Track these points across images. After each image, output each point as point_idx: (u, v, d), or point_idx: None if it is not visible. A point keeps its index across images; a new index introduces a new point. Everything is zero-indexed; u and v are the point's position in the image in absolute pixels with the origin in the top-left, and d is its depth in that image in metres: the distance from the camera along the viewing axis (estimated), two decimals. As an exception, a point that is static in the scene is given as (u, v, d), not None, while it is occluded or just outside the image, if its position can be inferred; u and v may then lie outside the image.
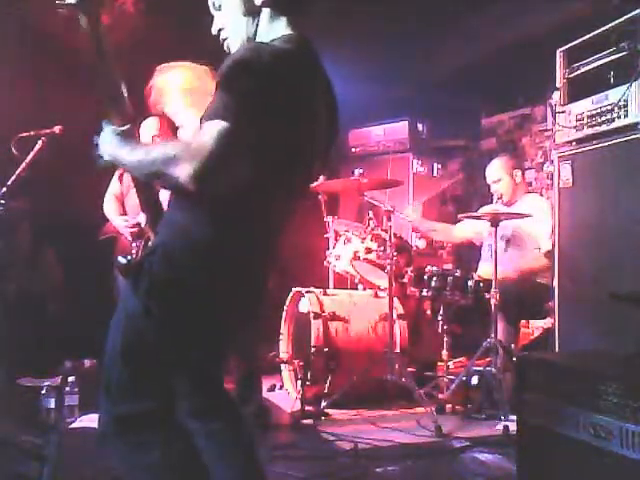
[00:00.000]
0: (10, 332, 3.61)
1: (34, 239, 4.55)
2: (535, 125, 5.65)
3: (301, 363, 3.72)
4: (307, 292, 4.02)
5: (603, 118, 2.97)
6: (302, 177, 1.68)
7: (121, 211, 3.69)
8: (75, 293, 4.34)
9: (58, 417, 3.28)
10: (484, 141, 6.20)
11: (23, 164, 3.03)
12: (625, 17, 2.87)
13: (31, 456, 2.68)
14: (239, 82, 1.43)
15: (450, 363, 3.97)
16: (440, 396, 3.78)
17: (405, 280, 4.02)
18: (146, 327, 1.53)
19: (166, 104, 3.28)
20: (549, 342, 3.33)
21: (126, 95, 1.59)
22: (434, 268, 3.89)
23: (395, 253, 3.80)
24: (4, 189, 3.01)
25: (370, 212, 4.13)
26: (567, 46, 3.24)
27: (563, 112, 3.21)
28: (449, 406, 3.71)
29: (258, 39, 1.64)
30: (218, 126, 1.37)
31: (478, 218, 4.00)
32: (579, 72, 3.17)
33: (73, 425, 3.26)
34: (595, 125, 3.03)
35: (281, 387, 4.17)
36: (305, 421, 3.47)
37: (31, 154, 3.04)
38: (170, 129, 3.39)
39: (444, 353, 3.84)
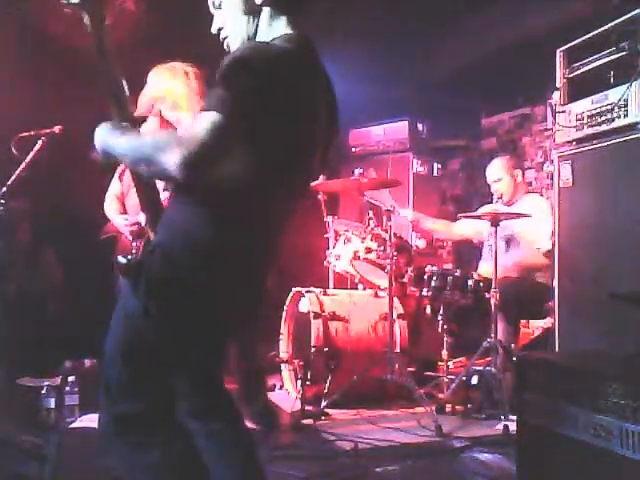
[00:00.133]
0: (10, 332, 3.61)
1: (34, 239, 4.55)
2: (535, 125, 5.66)
3: (301, 363, 3.72)
4: (307, 292, 4.02)
5: (603, 118, 2.98)
6: (302, 177, 1.68)
7: (122, 211, 3.68)
8: (75, 293, 4.34)
9: (58, 417, 3.28)
10: (484, 141, 6.20)
11: (23, 164, 3.03)
12: (625, 17, 2.87)
13: (31, 456, 2.68)
14: (237, 79, 1.43)
15: (450, 363, 3.97)
16: (440, 396, 3.78)
17: (405, 280, 4.02)
18: (145, 327, 1.53)
19: (160, 110, 3.30)
20: (549, 342, 3.33)
21: (127, 93, 1.59)
22: (434, 268, 3.89)
23: (395, 253, 3.80)
24: (4, 189, 3.01)
25: (370, 212, 4.13)
26: (567, 46, 3.24)
27: (563, 112, 3.22)
28: (449, 406, 3.70)
29: (258, 38, 1.64)
30: (211, 117, 1.37)
31: (478, 218, 4.00)
32: (579, 72, 3.17)
33: (73, 425, 3.26)
34: (595, 125, 3.03)
35: (281, 387, 4.17)
36: (305, 421, 3.47)
37: (31, 154, 3.04)
38: (171, 127, 3.39)
39: (444, 353, 3.84)
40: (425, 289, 3.85)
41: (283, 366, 4.08)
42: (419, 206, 5.09)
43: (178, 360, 1.60)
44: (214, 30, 1.70)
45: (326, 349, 3.80)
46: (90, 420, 3.15)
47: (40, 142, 3.07)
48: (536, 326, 4.51)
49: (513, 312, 3.89)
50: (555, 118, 3.25)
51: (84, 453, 2.68)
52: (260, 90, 1.44)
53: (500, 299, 3.58)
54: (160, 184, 1.73)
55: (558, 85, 3.27)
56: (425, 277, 3.87)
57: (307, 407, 3.56)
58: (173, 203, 1.60)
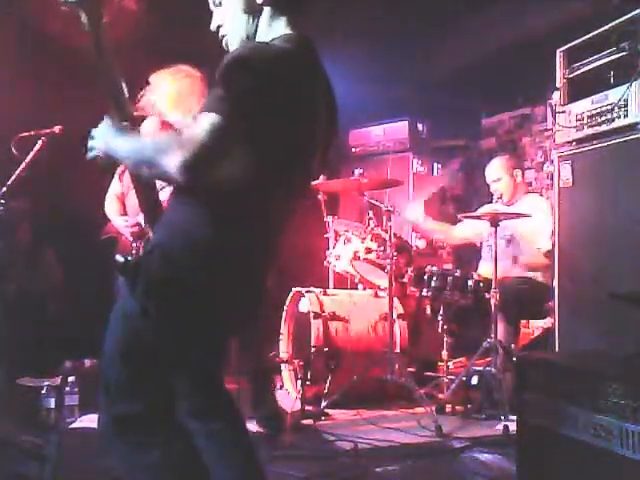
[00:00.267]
0: (10, 332, 3.61)
1: (34, 239, 4.55)
2: (535, 125, 5.65)
3: (301, 363, 3.72)
4: (307, 292, 4.02)
5: (603, 118, 2.97)
6: (302, 177, 1.68)
7: (122, 211, 3.68)
8: (75, 293, 4.33)
9: (58, 417, 3.28)
10: (484, 141, 6.20)
11: (23, 164, 3.03)
12: (625, 17, 2.87)
13: (31, 456, 2.68)
14: (237, 79, 1.43)
15: (450, 363, 3.96)
16: (440, 396, 3.78)
17: (405, 280, 4.02)
18: (144, 327, 1.53)
19: (165, 113, 3.31)
20: (549, 342, 3.33)
21: (126, 93, 1.59)
22: (434, 268, 3.89)
23: (395, 253, 3.80)
24: (4, 189, 3.01)
25: (370, 212, 4.13)
26: (567, 46, 3.24)
27: (563, 112, 3.21)
28: (449, 406, 3.70)
29: (258, 38, 1.64)
30: (211, 119, 1.38)
31: (478, 218, 4.00)
32: (579, 72, 3.17)
33: (73, 425, 3.26)
34: (595, 125, 3.03)
35: (281, 387, 4.17)
36: (305, 421, 3.47)
37: (31, 154, 3.04)
38: (170, 127, 3.39)
39: (444, 353, 3.84)
40: (425, 289, 3.85)
41: (283, 366, 4.08)
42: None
43: (177, 360, 1.60)
44: (213, 27, 1.69)
45: (326, 349, 3.80)
46: (90, 420, 3.15)
47: (40, 142, 3.07)
48: (536, 326, 4.50)
49: (513, 312, 3.89)
50: (555, 118, 3.25)
51: (84, 453, 2.68)
52: (260, 90, 1.44)
53: (500, 299, 3.58)
54: (159, 184, 1.73)
55: (558, 85, 3.27)
56: (425, 277, 3.86)
57: (307, 407, 3.56)
58: (173, 203, 1.60)
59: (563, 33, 3.35)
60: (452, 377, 3.76)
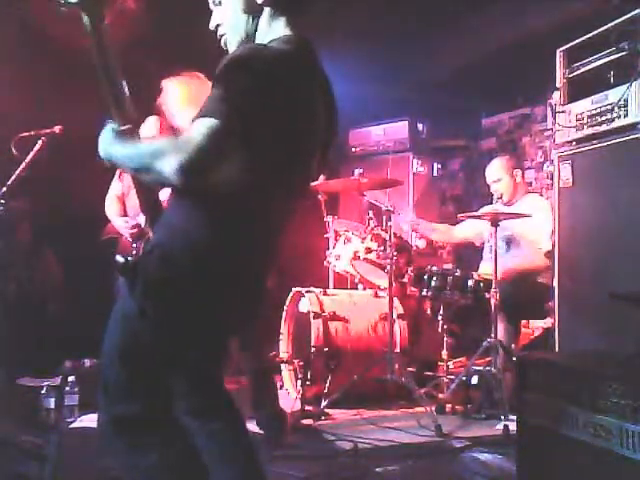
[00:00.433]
0: (10, 332, 3.61)
1: (34, 239, 4.55)
2: (535, 125, 5.66)
3: (301, 363, 3.72)
4: (307, 292, 4.02)
5: (603, 118, 2.98)
6: (301, 177, 1.68)
7: (122, 212, 3.68)
8: (75, 293, 4.33)
9: (58, 417, 3.28)
10: (484, 141, 6.20)
11: (23, 164, 3.03)
12: (625, 17, 2.87)
13: (31, 456, 2.68)
14: (234, 81, 1.43)
15: (450, 363, 3.97)
16: (440, 396, 3.78)
17: (405, 280, 4.02)
18: (143, 328, 1.53)
19: (174, 117, 3.31)
20: (549, 342, 3.33)
21: (127, 94, 1.59)
22: (434, 268, 3.89)
23: (395, 253, 3.80)
24: (4, 189, 3.01)
25: (370, 212, 4.13)
26: (567, 46, 3.24)
27: (563, 112, 3.22)
28: (449, 406, 3.71)
29: (257, 39, 1.64)
30: (208, 122, 1.37)
31: (478, 218, 4.00)
32: (579, 72, 3.17)
33: (73, 425, 3.26)
34: (595, 125, 3.03)
35: (281, 387, 4.16)
36: (305, 421, 3.47)
37: (31, 154, 3.04)
38: (170, 129, 3.39)
39: (444, 353, 3.84)
40: (425, 289, 3.85)
41: (283, 366, 4.08)
42: (419, 206, 5.09)
43: (176, 360, 1.60)
44: (212, 26, 1.69)
45: (326, 349, 3.80)
46: (90, 420, 3.15)
47: (40, 142, 3.07)
48: (536, 326, 4.50)
49: (513, 312, 3.89)
50: (555, 118, 3.25)
51: (84, 453, 2.68)
52: (258, 91, 1.44)
53: (500, 299, 3.58)
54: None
55: (558, 85, 3.27)
56: (425, 277, 3.87)
57: (307, 407, 3.56)
58: (172, 204, 1.60)
59: (563, 33, 3.35)
60: (452, 377, 3.76)
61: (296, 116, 1.54)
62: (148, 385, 1.56)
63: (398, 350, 3.91)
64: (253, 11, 1.64)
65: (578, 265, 3.12)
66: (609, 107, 2.92)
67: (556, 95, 3.28)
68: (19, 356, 3.68)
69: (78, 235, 4.02)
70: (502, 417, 3.35)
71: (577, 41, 3.19)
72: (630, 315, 2.63)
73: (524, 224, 4.01)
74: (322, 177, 4.04)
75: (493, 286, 3.59)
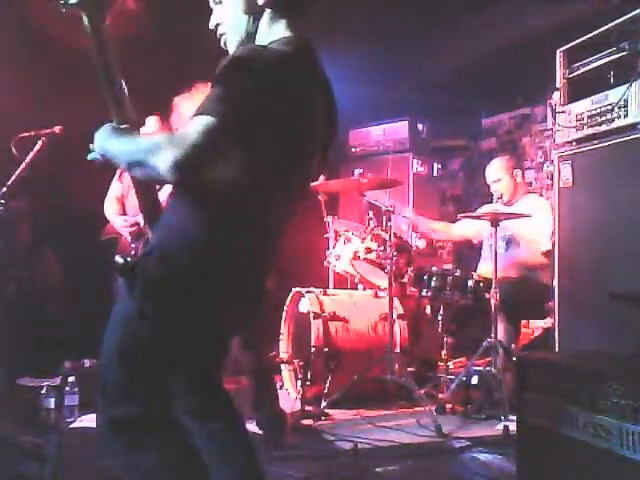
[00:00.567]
0: (10, 332, 3.61)
1: (34, 239, 4.55)
2: (535, 125, 5.66)
3: (301, 363, 3.72)
4: (307, 292, 4.02)
5: (603, 118, 2.98)
6: (301, 177, 1.68)
7: (121, 212, 3.69)
8: (75, 293, 4.33)
9: (58, 417, 3.28)
10: (484, 141, 6.20)
11: (23, 164, 3.03)
12: (625, 17, 2.87)
13: (31, 456, 2.68)
14: (234, 81, 1.43)
15: (450, 363, 3.97)
16: (440, 396, 3.78)
17: (405, 280, 4.02)
18: (142, 328, 1.52)
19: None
20: (549, 342, 3.33)
21: (127, 94, 1.59)
22: (434, 268, 3.89)
23: (395, 253, 3.80)
24: (4, 189, 3.00)
25: (370, 212, 4.13)
26: (567, 46, 3.24)
27: (563, 112, 3.22)
28: (449, 406, 3.70)
29: (257, 40, 1.64)
30: (204, 120, 1.38)
31: (478, 218, 4.00)
32: (579, 72, 3.17)
33: (73, 425, 3.27)
34: (595, 125, 3.03)
35: (281, 387, 4.16)
36: (305, 421, 3.47)
37: (31, 154, 3.04)
38: (170, 128, 3.40)
39: (444, 353, 3.84)
40: (425, 289, 3.85)
41: (283, 366, 4.08)
42: (419, 206, 5.09)
43: (175, 361, 1.60)
44: (212, 25, 1.69)
45: (326, 349, 3.80)
46: (90, 420, 3.15)
47: (40, 142, 3.07)
48: (536, 326, 4.51)
49: (513, 312, 3.89)
50: (555, 118, 3.25)
51: (84, 453, 2.68)
52: (258, 92, 1.44)
53: (500, 299, 3.58)
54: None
55: (558, 85, 3.27)
56: (425, 277, 3.87)
57: (307, 407, 3.56)
58: (171, 204, 1.60)
59: (563, 33, 3.35)
60: (452, 377, 3.76)
61: (296, 117, 1.54)
62: (147, 385, 1.56)
63: (398, 350, 3.91)
64: (254, 12, 1.64)
65: (578, 265, 3.12)
66: (609, 107, 2.93)
67: (556, 95, 3.28)
68: (19, 356, 3.68)
69: (78, 235, 4.03)
70: (502, 417, 3.35)
71: (577, 41, 3.19)
72: (630, 315, 2.63)
73: (523, 224, 4.01)
74: (322, 177, 4.05)
75: (493, 286, 3.59)
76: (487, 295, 3.64)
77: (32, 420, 3.23)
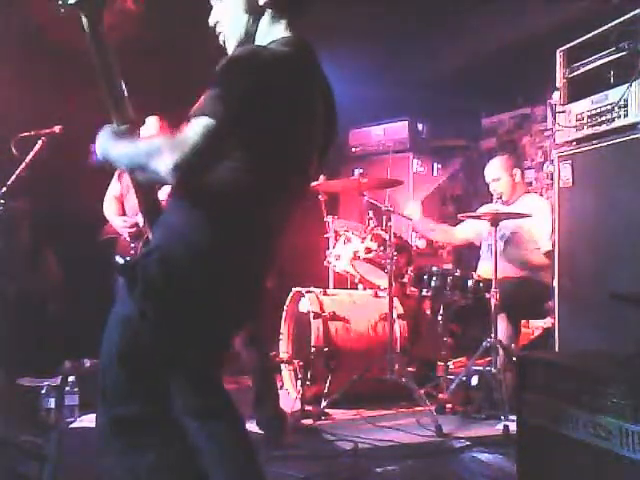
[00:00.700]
0: (10, 332, 3.61)
1: (34, 239, 4.54)
2: (535, 125, 5.65)
3: (301, 363, 3.72)
4: (307, 292, 4.02)
5: (603, 118, 2.98)
6: (301, 178, 1.68)
7: (120, 212, 3.69)
8: (75, 293, 4.33)
9: (58, 417, 3.28)
10: (484, 141, 6.20)
11: (23, 164, 3.03)
12: (625, 17, 2.87)
13: (31, 456, 2.68)
14: (233, 81, 1.43)
15: (450, 363, 3.97)
16: (440, 396, 3.77)
17: (405, 280, 4.02)
18: (142, 329, 1.53)
19: None
20: (549, 342, 3.33)
21: (126, 95, 1.59)
22: (434, 268, 3.89)
23: (395, 253, 3.80)
24: (4, 189, 3.01)
25: (370, 212, 4.13)
26: (567, 46, 3.24)
27: (563, 112, 3.22)
28: (449, 406, 3.70)
29: (257, 40, 1.64)
30: (204, 122, 1.38)
31: (478, 218, 4.00)
32: (579, 72, 3.17)
33: (73, 425, 3.27)
34: (595, 125, 3.03)
35: (281, 387, 4.16)
36: (305, 421, 3.47)
37: (31, 154, 3.04)
38: (170, 129, 3.39)
39: (444, 353, 3.84)
40: (425, 289, 3.85)
41: (283, 366, 4.08)
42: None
43: (175, 361, 1.60)
44: (211, 22, 1.69)
45: (326, 349, 3.80)
46: (90, 420, 3.15)
47: (40, 142, 3.07)
48: (536, 326, 4.50)
49: (513, 312, 3.89)
50: (555, 118, 3.25)
51: (84, 453, 2.67)
52: (257, 93, 1.44)
53: (500, 299, 3.58)
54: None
55: (558, 85, 3.27)
56: (425, 277, 3.86)
57: (307, 407, 3.56)
58: (171, 205, 1.60)
59: (563, 33, 3.35)
60: (452, 377, 3.76)
61: (295, 117, 1.54)
62: (147, 386, 1.56)
63: (398, 350, 3.92)
64: (255, 12, 1.64)
65: (578, 265, 3.12)
66: (609, 107, 2.92)
67: (556, 95, 3.28)
68: (19, 356, 3.68)
69: (78, 235, 4.03)
70: (502, 417, 3.35)
71: (577, 41, 3.19)
72: (630, 315, 2.63)
73: (523, 224, 4.01)
74: (322, 177, 4.05)
75: (493, 286, 3.59)
76: (487, 295, 3.64)
77: (32, 420, 3.23)
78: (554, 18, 4.41)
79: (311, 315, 3.85)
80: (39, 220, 4.45)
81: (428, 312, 4.10)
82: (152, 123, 3.61)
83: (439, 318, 3.85)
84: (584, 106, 3.10)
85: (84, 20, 1.51)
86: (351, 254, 4.04)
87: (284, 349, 4.15)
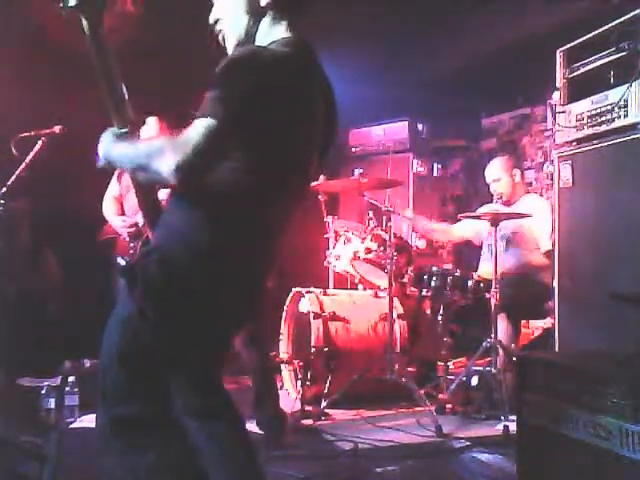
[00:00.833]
0: (10, 332, 3.61)
1: (34, 239, 4.54)
2: (535, 125, 5.65)
3: (301, 363, 3.72)
4: (307, 292, 4.02)
5: (603, 118, 2.98)
6: (300, 178, 1.68)
7: (120, 212, 3.69)
8: (75, 293, 4.33)
9: (58, 417, 3.28)
10: (484, 141, 6.20)
11: (23, 164, 3.03)
12: (625, 17, 2.87)
13: (31, 456, 2.68)
14: (234, 82, 1.43)
15: (450, 363, 3.97)
16: (440, 396, 3.77)
17: (405, 280, 4.02)
18: (142, 329, 1.53)
19: None
20: (549, 342, 3.33)
21: (126, 97, 1.59)
22: (434, 268, 3.89)
23: (395, 253, 3.80)
24: (4, 189, 3.01)
25: (370, 212, 4.13)
26: (567, 46, 3.24)
27: (563, 112, 3.22)
28: (449, 406, 3.70)
29: (257, 41, 1.64)
30: (206, 123, 1.38)
31: (478, 218, 4.00)
32: (579, 72, 3.17)
33: (73, 425, 3.27)
34: (595, 125, 3.03)
35: (281, 387, 4.16)
36: (305, 421, 3.47)
37: (31, 154, 3.04)
38: (170, 129, 3.39)
39: (444, 353, 3.84)
40: (425, 289, 3.85)
41: (283, 366, 4.08)
42: (419, 206, 5.09)
43: (175, 361, 1.60)
44: (211, 20, 1.69)
45: (326, 349, 3.80)
46: (90, 420, 3.15)
47: (40, 142, 3.07)
48: (536, 326, 4.50)
49: (513, 312, 3.89)
50: (555, 118, 3.25)
51: (84, 453, 2.67)
52: (257, 93, 1.44)
53: (500, 299, 3.58)
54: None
55: (558, 85, 3.27)
56: (425, 277, 3.86)
57: (307, 407, 3.56)
58: (171, 205, 1.60)
59: (563, 33, 3.35)
60: (452, 377, 3.76)
61: (296, 117, 1.55)
62: (147, 386, 1.57)
63: (398, 350, 3.92)
64: (256, 13, 1.64)
65: (578, 265, 3.12)
66: (609, 107, 2.92)
67: (556, 95, 3.28)
68: (19, 356, 3.68)
69: (78, 235, 4.03)
70: (502, 417, 3.35)
71: (577, 41, 3.19)
72: (630, 315, 2.63)
73: (523, 224, 4.01)
74: (322, 177, 4.05)
75: (493, 286, 3.59)
76: (487, 295, 3.64)
77: (32, 420, 3.23)
78: (554, 18, 4.41)
79: (311, 315, 3.85)
80: (39, 220, 4.45)
81: (428, 312, 4.10)
82: (152, 124, 3.61)
83: (439, 318, 3.85)
84: (584, 106, 3.10)
85: (84, 23, 1.51)
86: (351, 254, 4.04)
87: (284, 349, 4.15)
